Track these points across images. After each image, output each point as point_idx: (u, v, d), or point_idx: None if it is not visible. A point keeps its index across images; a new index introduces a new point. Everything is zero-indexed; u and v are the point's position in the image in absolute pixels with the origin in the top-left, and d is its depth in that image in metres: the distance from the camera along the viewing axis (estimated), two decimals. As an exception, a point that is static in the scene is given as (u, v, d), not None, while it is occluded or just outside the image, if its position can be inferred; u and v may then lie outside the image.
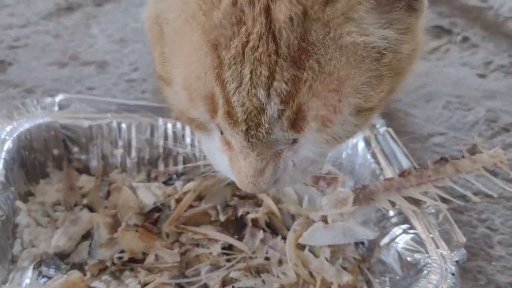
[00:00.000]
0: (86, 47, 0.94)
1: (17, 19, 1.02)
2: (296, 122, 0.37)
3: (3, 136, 0.58)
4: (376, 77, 0.37)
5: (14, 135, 0.58)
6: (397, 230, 0.53)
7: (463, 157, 0.55)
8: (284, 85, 0.35)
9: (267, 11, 0.34)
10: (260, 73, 0.35)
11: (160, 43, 0.40)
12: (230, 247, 0.56)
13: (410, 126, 0.82)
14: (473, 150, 0.55)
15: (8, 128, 0.59)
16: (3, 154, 0.55)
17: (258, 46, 0.34)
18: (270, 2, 0.34)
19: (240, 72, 0.35)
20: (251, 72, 0.35)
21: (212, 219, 0.58)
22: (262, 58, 0.34)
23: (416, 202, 0.54)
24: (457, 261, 0.49)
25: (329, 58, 0.35)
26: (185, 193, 0.60)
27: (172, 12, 0.38)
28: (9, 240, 0.53)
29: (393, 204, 0.54)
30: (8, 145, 0.57)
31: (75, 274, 0.50)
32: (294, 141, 0.40)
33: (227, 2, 0.34)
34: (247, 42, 0.34)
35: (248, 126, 0.37)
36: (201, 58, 0.36)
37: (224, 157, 0.42)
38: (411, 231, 0.52)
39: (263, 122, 0.37)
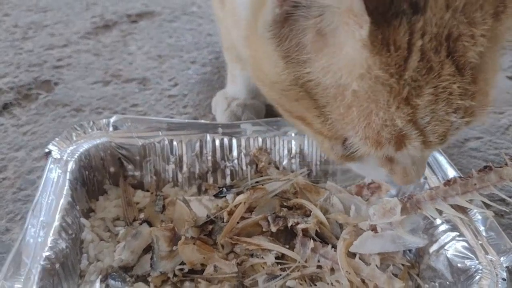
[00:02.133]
0: (126, 64, 0.98)
1: (57, 39, 1.06)
2: (471, 119, 0.41)
3: (65, 158, 0.61)
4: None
5: (76, 156, 0.62)
6: (446, 237, 0.55)
7: (506, 165, 0.56)
8: (469, 101, 0.39)
9: (450, 52, 0.38)
10: (452, 103, 0.39)
11: (310, 105, 0.44)
12: (282, 256, 0.59)
13: (445, 131, 0.83)
14: (515, 158, 0.57)
15: (69, 150, 0.63)
16: (68, 175, 0.59)
17: (449, 84, 0.38)
18: (451, 43, 0.38)
19: (433, 109, 0.39)
20: (445, 105, 0.39)
21: (264, 229, 0.61)
22: (454, 90, 0.38)
23: (462, 210, 0.56)
24: (506, 267, 0.51)
25: (487, 61, 0.40)
26: (236, 206, 0.62)
27: (334, 76, 0.41)
28: (77, 256, 0.56)
29: (440, 212, 0.56)
30: (71, 166, 0.60)
31: (142, 287, 0.54)
32: None
33: (415, 59, 0.37)
34: (439, 84, 0.38)
35: (440, 141, 0.42)
36: (387, 112, 0.39)
37: (382, 169, 0.48)
38: (460, 238, 0.54)
39: (449, 135, 0.42)
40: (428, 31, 0.37)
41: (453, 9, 0.37)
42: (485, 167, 0.56)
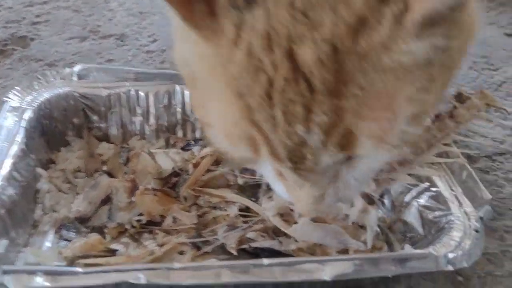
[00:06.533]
0: (106, 21, 0.95)
1: (37, -4, 1.03)
2: (347, 144, 0.34)
3: (23, 106, 0.59)
4: (428, 80, 0.34)
5: (34, 105, 0.59)
6: (418, 188, 0.52)
7: (455, 107, 0.52)
8: (324, 117, 0.33)
9: (291, 54, 0.32)
10: (294, 111, 0.33)
11: (193, 86, 0.39)
12: (247, 209, 0.56)
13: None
14: (460, 98, 0.53)
15: (28, 98, 0.60)
16: (24, 123, 0.56)
17: (285, 88, 0.32)
18: (292, 46, 0.32)
19: (271, 114, 0.33)
20: (283, 112, 0.33)
21: (231, 183, 0.58)
22: (293, 98, 0.32)
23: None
24: (481, 218, 0.48)
25: (372, 81, 0.32)
26: (202, 158, 0.60)
27: (195, 61, 0.37)
28: (30, 205, 0.54)
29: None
30: (28, 114, 0.58)
31: (94, 237, 0.51)
32: (350, 157, 0.37)
33: (241, 55, 0.33)
34: (271, 86, 0.33)
35: (293, 162, 0.35)
36: (231, 106, 0.35)
37: (280, 184, 0.41)
38: (433, 189, 0.50)
39: (307, 155, 0.35)
40: (258, 27, 0.32)
41: (294, 6, 0.31)
42: (437, 116, 0.52)
